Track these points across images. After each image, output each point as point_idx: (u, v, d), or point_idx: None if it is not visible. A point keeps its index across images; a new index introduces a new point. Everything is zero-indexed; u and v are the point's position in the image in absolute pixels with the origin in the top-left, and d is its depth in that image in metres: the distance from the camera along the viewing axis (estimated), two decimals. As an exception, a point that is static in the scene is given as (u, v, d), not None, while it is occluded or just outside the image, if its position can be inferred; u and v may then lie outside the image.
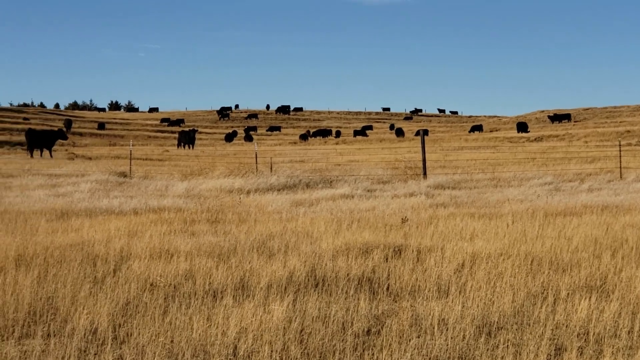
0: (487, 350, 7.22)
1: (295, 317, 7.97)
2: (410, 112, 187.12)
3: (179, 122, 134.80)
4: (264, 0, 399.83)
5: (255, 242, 12.51)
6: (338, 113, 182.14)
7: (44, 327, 7.77)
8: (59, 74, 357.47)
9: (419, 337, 7.52)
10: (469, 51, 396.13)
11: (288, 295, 8.83)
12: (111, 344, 7.27)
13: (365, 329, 7.82)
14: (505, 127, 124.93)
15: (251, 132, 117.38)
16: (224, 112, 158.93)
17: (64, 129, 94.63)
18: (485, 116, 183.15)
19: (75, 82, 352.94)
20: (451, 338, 7.45)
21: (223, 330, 7.56)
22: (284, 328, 7.66)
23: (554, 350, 7.23)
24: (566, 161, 39.85)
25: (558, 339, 7.51)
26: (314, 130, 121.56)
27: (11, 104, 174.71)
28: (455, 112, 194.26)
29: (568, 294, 9.09)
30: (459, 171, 32.08)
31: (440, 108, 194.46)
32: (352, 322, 7.96)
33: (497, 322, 8.03)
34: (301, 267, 10.26)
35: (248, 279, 9.80)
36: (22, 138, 71.44)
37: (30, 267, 10.28)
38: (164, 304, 8.59)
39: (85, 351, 7.14)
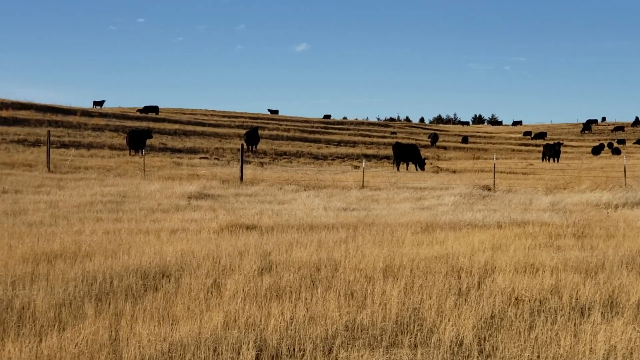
0: None
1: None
2: None
3: (541, 135, 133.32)
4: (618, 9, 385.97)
5: (624, 257, 12.09)
6: None
7: (410, 337, 7.90)
8: (425, 88, 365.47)
9: None
10: None
11: (661, 314, 8.42)
12: (477, 357, 7.26)
13: None
14: None
15: (619, 145, 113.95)
16: (587, 125, 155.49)
17: (430, 143, 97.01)
18: None
19: (440, 96, 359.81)
20: None
21: (591, 347, 7.35)
22: (657, 348, 7.31)
23: None
24: None
25: None
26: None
27: (378, 119, 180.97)
28: None
29: None
30: None
31: None
32: None
33: None
34: (674, 285, 9.76)
35: (617, 296, 9.47)
36: (388, 152, 73.77)
37: (397, 277, 10.51)
38: (529, 318, 8.48)
39: (450, 363, 7.18)
